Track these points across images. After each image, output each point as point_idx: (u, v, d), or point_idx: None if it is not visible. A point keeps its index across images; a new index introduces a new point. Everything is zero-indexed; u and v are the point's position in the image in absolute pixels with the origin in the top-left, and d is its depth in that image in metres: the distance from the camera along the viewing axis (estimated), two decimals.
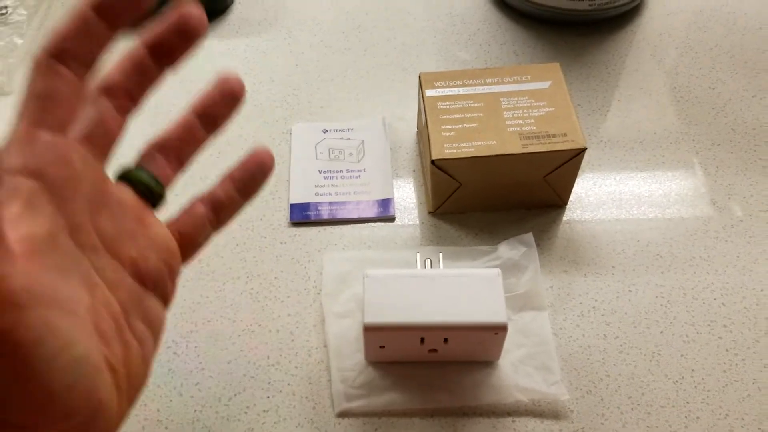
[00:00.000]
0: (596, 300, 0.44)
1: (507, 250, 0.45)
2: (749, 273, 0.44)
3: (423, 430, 0.38)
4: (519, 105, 0.46)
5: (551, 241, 0.46)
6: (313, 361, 0.41)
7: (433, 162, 0.44)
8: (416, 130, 0.53)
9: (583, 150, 0.43)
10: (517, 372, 0.40)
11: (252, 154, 0.30)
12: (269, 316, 0.43)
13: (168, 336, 0.43)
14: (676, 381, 0.40)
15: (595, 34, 0.60)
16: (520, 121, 0.45)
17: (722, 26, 0.60)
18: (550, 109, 0.45)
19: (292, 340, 0.42)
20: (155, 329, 0.26)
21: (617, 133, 0.53)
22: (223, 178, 0.30)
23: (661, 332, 0.42)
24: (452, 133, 0.44)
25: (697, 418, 0.39)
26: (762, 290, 0.44)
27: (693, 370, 0.40)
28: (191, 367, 0.41)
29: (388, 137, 0.52)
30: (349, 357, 0.41)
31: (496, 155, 0.43)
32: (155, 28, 0.25)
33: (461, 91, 0.47)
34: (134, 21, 0.23)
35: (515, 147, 0.43)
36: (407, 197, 0.49)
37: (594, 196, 0.49)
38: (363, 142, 0.52)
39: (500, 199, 0.47)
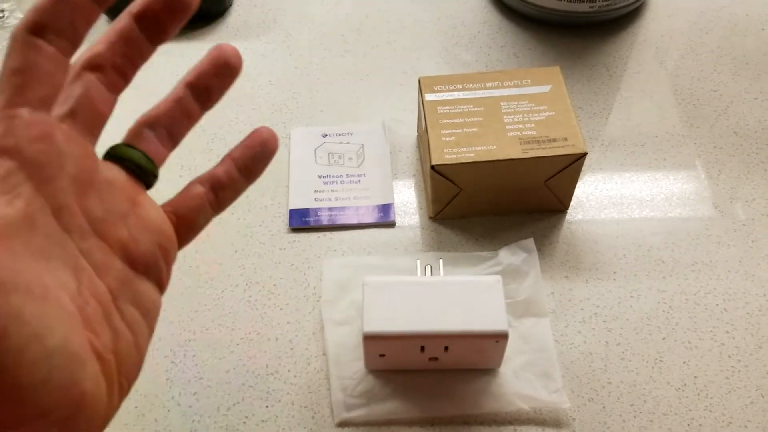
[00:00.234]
0: (598, 306, 0.43)
1: (508, 256, 0.44)
2: (752, 278, 0.44)
3: None
4: (519, 109, 0.45)
5: (552, 246, 0.46)
6: (312, 369, 0.41)
7: (433, 167, 0.43)
8: (417, 133, 0.53)
9: (584, 155, 0.43)
10: (518, 379, 0.40)
11: (254, 133, 0.29)
12: (268, 323, 0.43)
13: (165, 345, 0.42)
14: (679, 388, 0.40)
15: (596, 36, 0.59)
16: (521, 126, 0.44)
17: (724, 28, 0.60)
18: (551, 114, 0.45)
19: (291, 349, 0.42)
20: (149, 315, 0.25)
21: (619, 136, 0.52)
22: (223, 158, 0.28)
23: (663, 338, 0.42)
24: (452, 138, 0.44)
25: (700, 425, 0.38)
26: (765, 295, 0.43)
27: (696, 377, 0.40)
28: (189, 377, 0.41)
29: (388, 141, 0.52)
30: (349, 365, 0.40)
31: (497, 160, 0.43)
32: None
33: (461, 95, 0.46)
34: None
35: (515, 152, 0.43)
36: (407, 202, 0.49)
37: (595, 200, 0.48)
38: (363, 146, 0.52)
39: (501, 204, 0.47)
